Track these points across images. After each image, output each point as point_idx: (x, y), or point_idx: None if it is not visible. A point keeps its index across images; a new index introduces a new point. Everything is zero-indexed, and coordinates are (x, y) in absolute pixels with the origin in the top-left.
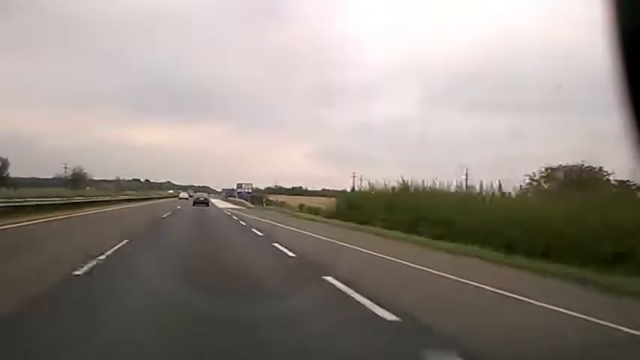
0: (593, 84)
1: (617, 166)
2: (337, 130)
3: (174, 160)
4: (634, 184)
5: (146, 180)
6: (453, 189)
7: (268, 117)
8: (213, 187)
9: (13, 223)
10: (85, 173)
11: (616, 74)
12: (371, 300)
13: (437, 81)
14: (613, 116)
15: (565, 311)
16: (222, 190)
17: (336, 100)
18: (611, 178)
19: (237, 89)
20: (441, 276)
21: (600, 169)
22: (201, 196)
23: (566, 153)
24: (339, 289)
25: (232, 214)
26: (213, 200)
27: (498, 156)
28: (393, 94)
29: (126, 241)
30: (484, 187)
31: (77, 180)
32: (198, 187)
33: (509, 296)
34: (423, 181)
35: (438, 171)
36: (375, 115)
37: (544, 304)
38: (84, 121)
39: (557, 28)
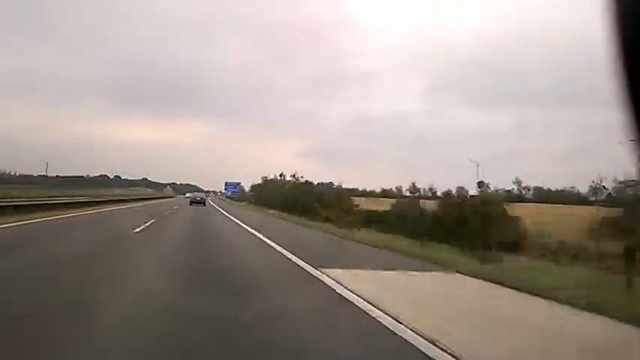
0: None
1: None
2: (336, 125)
3: (151, 157)
4: None
5: (115, 176)
6: None
7: (261, 112)
8: (200, 187)
9: None
10: None
11: (616, 71)
12: None
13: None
14: (613, 114)
15: None
16: (226, 184)
17: (336, 94)
18: None
19: (227, 81)
20: None
21: None
22: (197, 196)
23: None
24: None
25: None
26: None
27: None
28: (398, 88)
29: None
30: None
31: None
32: (181, 185)
33: None
34: None
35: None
36: (376, 110)
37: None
38: (49, 111)
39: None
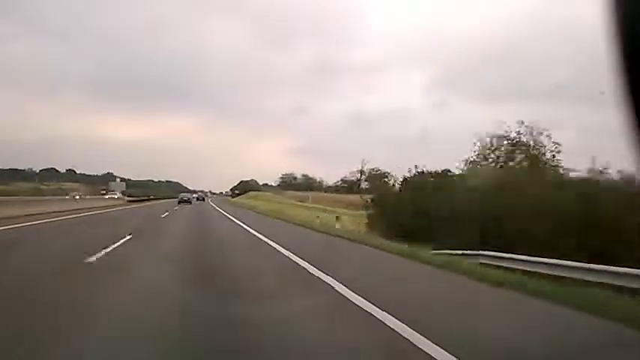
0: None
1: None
2: (330, 121)
3: (128, 152)
4: None
5: (69, 170)
6: None
7: (251, 108)
8: (186, 185)
9: None
10: None
11: (616, 71)
12: None
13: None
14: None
15: None
16: None
17: (328, 86)
18: None
19: (214, 74)
20: None
21: None
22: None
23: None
24: None
25: None
26: None
27: None
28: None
29: None
30: None
31: None
32: (160, 182)
33: None
34: None
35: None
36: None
37: None
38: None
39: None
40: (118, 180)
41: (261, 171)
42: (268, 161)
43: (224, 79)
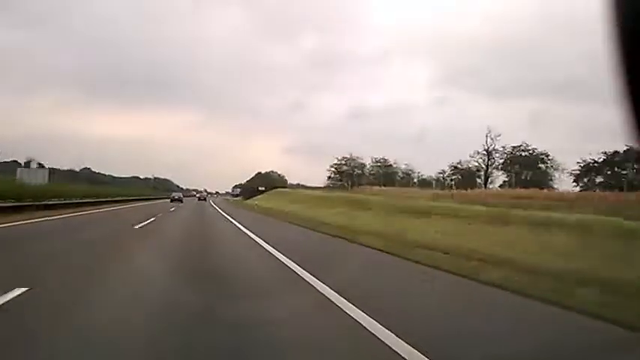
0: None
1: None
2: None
3: (107, 146)
4: None
5: (39, 165)
6: None
7: (244, 103)
8: (178, 183)
9: None
10: None
11: (616, 69)
12: None
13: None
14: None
15: None
16: None
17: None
18: None
19: (210, 67)
20: None
21: None
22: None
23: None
24: None
25: None
26: None
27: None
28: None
29: None
30: None
31: None
32: (146, 179)
33: None
34: None
35: None
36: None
37: None
38: None
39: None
40: (34, 165)
41: (263, 169)
42: (269, 160)
43: (224, 73)
